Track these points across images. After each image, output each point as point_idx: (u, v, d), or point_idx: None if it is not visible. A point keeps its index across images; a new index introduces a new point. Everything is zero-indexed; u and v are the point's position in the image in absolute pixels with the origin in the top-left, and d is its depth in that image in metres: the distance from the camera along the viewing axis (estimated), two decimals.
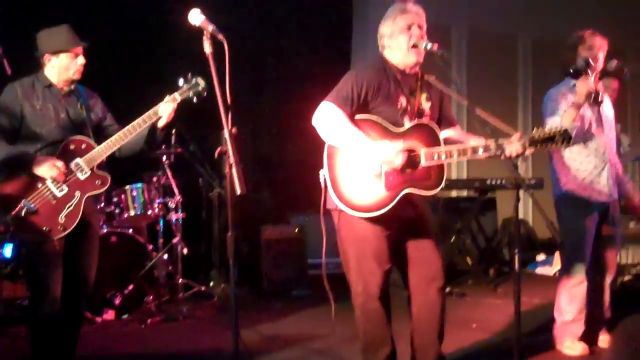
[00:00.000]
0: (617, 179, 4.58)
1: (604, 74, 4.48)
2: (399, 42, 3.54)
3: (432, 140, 3.48)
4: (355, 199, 3.43)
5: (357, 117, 3.46)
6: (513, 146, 3.37)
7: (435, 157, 3.42)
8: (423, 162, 3.43)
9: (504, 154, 3.33)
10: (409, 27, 3.52)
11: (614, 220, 4.57)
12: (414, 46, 3.50)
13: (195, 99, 4.12)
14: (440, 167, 3.48)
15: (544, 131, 3.39)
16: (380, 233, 3.50)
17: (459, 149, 3.45)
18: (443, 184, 3.48)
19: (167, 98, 4.07)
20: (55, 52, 4.06)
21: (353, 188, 3.43)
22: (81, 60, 4.11)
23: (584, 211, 4.44)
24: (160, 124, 4.10)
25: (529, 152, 3.39)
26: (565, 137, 3.38)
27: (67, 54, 4.06)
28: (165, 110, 4.05)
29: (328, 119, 3.42)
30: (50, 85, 4.10)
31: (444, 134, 3.68)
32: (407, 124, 3.50)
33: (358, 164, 3.42)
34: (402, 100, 3.52)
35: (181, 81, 4.12)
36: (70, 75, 4.10)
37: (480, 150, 3.42)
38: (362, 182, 3.42)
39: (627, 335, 4.88)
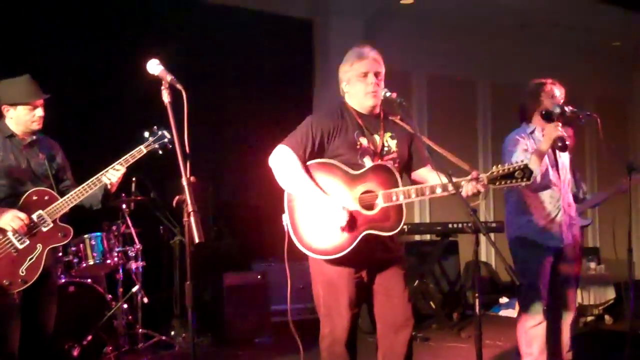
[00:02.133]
0: (570, 224, 4.65)
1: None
2: (356, 88, 3.60)
3: (391, 181, 3.48)
4: (316, 243, 3.43)
5: (316, 161, 3.50)
6: (471, 184, 3.37)
7: (394, 197, 3.43)
8: (381, 203, 3.43)
9: (463, 192, 3.33)
10: (365, 75, 3.57)
11: (569, 262, 4.61)
12: (370, 92, 3.56)
13: (160, 152, 4.13)
14: (398, 208, 3.46)
15: (504, 167, 3.37)
16: (349, 275, 3.50)
17: (417, 189, 3.44)
18: (402, 224, 3.46)
19: (118, 161, 4.07)
20: (13, 104, 4.03)
21: (313, 231, 3.44)
22: (40, 112, 4.08)
23: (538, 254, 4.47)
24: (111, 183, 4.09)
25: (483, 189, 3.37)
26: (525, 173, 3.35)
27: (25, 106, 4.04)
28: (111, 175, 4.05)
29: (282, 162, 3.48)
30: (11, 136, 4.07)
31: (418, 173, 3.73)
32: (369, 164, 3.52)
33: (316, 207, 3.43)
34: (363, 141, 3.55)
35: (146, 133, 4.12)
36: (29, 126, 4.08)
37: (439, 190, 3.39)
38: (322, 225, 3.42)
39: None
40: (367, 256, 3.47)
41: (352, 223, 3.38)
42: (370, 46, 3.66)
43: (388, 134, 3.65)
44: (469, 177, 3.38)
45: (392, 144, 3.65)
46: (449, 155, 3.45)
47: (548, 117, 4.35)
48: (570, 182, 4.73)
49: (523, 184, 3.39)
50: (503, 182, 3.38)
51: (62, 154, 4.31)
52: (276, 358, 6.01)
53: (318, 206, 3.42)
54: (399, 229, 3.45)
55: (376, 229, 3.43)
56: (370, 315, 3.69)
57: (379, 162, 3.54)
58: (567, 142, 4.34)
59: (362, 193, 3.46)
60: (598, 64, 10.71)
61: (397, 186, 3.47)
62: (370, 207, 3.44)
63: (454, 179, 3.34)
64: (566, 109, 4.33)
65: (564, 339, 4.64)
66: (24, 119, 4.05)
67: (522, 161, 3.40)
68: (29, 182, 4.02)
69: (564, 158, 4.66)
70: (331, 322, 3.54)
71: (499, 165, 3.40)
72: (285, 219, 3.49)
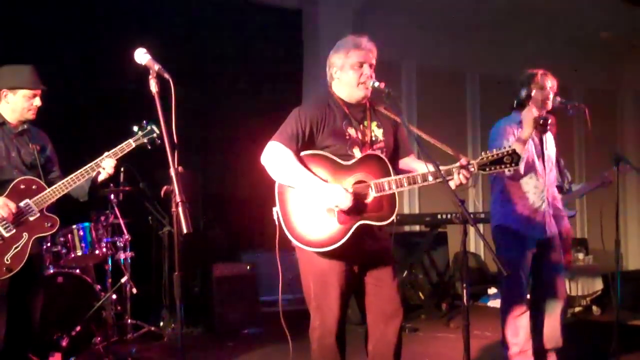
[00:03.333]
0: (555, 214, 4.67)
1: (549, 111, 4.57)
2: (349, 77, 3.57)
3: (382, 171, 3.48)
4: (309, 235, 3.42)
5: (307, 153, 3.48)
6: (461, 171, 3.39)
7: (386, 187, 3.42)
8: (373, 193, 3.43)
9: (455, 180, 3.35)
10: (361, 65, 3.56)
11: (555, 253, 4.64)
12: (362, 83, 3.55)
13: (149, 146, 4.13)
14: (391, 197, 3.46)
15: (492, 153, 3.42)
16: (339, 268, 3.49)
17: (409, 178, 3.43)
18: (395, 214, 3.45)
19: (106, 153, 4.07)
20: (13, 88, 4.03)
21: (306, 224, 3.43)
22: (37, 101, 4.09)
23: (520, 243, 4.50)
24: (100, 178, 4.10)
25: (469, 175, 3.39)
26: (513, 158, 3.41)
27: (25, 92, 4.04)
28: (106, 164, 4.04)
29: (276, 158, 3.45)
30: (3, 123, 4.07)
31: (403, 162, 3.73)
32: (358, 154, 3.52)
33: (309, 199, 3.42)
34: (351, 132, 3.54)
35: (135, 128, 4.11)
36: (24, 114, 4.08)
37: (430, 177, 3.39)
38: (314, 217, 3.41)
39: None
40: (358, 248, 3.46)
41: (350, 209, 3.37)
42: (367, 37, 3.64)
43: (374, 123, 3.65)
44: (460, 163, 3.40)
45: (379, 133, 3.64)
46: (438, 144, 3.46)
47: (519, 105, 4.39)
48: (556, 175, 4.75)
49: (512, 169, 3.46)
50: (493, 168, 3.43)
51: (51, 146, 4.32)
52: (266, 348, 6.03)
53: (313, 197, 3.40)
54: (392, 218, 3.44)
55: (369, 219, 3.42)
56: (360, 305, 3.70)
57: (370, 151, 3.54)
58: (549, 120, 4.36)
59: (354, 183, 3.45)
60: (588, 54, 10.74)
61: (389, 175, 3.46)
62: (362, 197, 3.43)
63: (442, 167, 3.35)
64: (532, 93, 4.35)
65: (555, 328, 4.64)
66: (21, 105, 4.05)
67: (509, 146, 3.45)
68: (16, 170, 4.02)
69: (550, 151, 4.67)
70: (322, 314, 3.53)
71: (488, 152, 3.45)
72: (277, 211, 3.47)
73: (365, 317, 3.69)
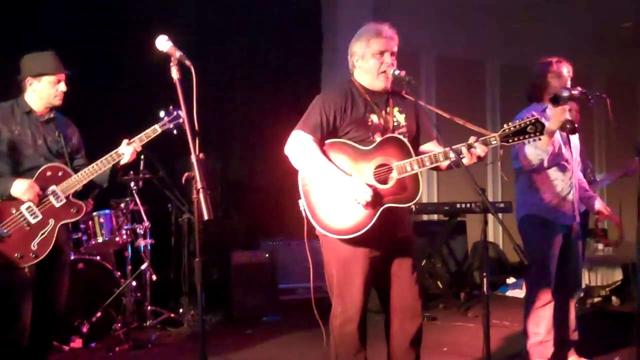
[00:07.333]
0: (584, 199, 4.66)
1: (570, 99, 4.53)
2: (370, 65, 3.56)
3: (402, 152, 3.46)
4: (336, 223, 3.42)
5: (328, 142, 3.49)
6: (483, 145, 3.37)
7: (408, 168, 3.41)
8: (396, 176, 3.42)
9: (479, 151, 3.34)
10: (382, 53, 3.54)
11: (577, 240, 4.63)
12: (383, 72, 3.54)
13: (175, 131, 4.09)
14: (415, 178, 3.44)
15: (514, 124, 3.36)
16: (363, 255, 3.48)
17: (430, 156, 3.41)
18: (420, 193, 3.44)
19: (131, 140, 4.06)
20: (38, 75, 4.05)
21: (331, 212, 3.43)
22: (62, 87, 4.09)
23: (549, 232, 4.48)
24: (122, 162, 4.08)
25: (484, 152, 3.37)
26: (537, 127, 3.35)
27: (50, 78, 4.05)
28: (127, 150, 4.03)
29: (299, 148, 3.46)
30: (29, 112, 4.09)
31: (425, 147, 3.70)
32: (378, 140, 3.50)
33: (332, 189, 3.42)
34: (373, 118, 3.53)
35: (162, 113, 4.09)
36: (51, 101, 4.10)
37: (452, 154, 3.36)
38: (339, 205, 3.41)
39: (596, 357, 4.91)
40: (382, 235, 3.45)
41: (372, 198, 3.35)
42: (389, 24, 3.61)
43: (396, 109, 3.63)
44: (483, 137, 3.38)
45: (401, 118, 3.63)
46: (461, 121, 3.45)
47: (555, 101, 4.34)
48: (579, 162, 4.73)
49: (536, 138, 3.38)
50: (516, 139, 3.37)
51: (78, 134, 4.33)
52: (284, 336, 6.06)
53: (336, 187, 3.40)
54: (417, 197, 3.43)
55: (395, 202, 3.41)
56: (379, 294, 3.70)
57: (388, 134, 3.52)
58: (576, 126, 4.32)
59: (376, 167, 3.44)
60: (608, 44, 10.61)
61: (410, 156, 3.44)
62: (385, 181, 3.43)
63: (455, 146, 3.35)
64: (574, 91, 4.30)
65: (571, 318, 4.65)
66: (47, 92, 4.06)
67: (532, 115, 3.39)
68: (42, 158, 4.04)
69: (575, 137, 4.65)
70: (343, 302, 3.52)
71: (510, 123, 3.39)
72: (302, 203, 3.48)
73: (384, 306, 3.68)
